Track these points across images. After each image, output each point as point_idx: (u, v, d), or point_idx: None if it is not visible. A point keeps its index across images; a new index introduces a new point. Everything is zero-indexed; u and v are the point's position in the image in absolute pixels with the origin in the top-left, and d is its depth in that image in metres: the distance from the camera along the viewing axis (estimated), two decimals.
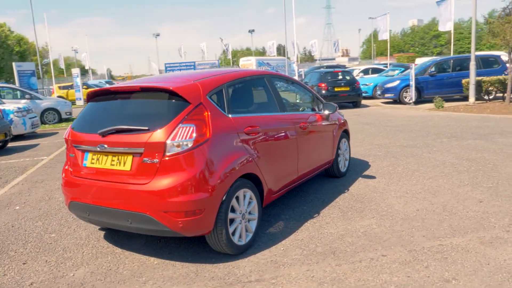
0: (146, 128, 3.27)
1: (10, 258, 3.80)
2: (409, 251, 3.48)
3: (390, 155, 7.21)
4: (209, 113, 3.40)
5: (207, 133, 3.31)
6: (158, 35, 52.23)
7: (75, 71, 26.60)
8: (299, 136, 4.56)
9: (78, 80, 25.87)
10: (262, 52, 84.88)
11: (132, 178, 3.31)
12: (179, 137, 3.19)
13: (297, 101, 5.80)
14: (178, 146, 3.19)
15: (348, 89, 16.02)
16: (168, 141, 3.19)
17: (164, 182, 3.19)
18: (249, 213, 3.71)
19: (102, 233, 4.30)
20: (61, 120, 15.87)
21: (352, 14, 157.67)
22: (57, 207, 5.31)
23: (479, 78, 14.15)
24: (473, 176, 5.64)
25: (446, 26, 23.88)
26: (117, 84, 3.93)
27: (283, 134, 4.29)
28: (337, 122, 5.72)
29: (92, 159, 3.57)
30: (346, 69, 20.27)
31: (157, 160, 3.20)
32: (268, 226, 4.25)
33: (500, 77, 14.12)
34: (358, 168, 6.44)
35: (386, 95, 16.93)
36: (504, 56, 17.01)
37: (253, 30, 55.02)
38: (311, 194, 5.25)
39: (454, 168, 6.10)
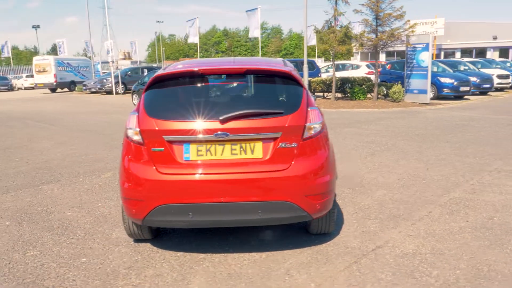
0: (281, 111, 3.13)
1: None
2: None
3: None
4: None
5: (323, 116, 3.41)
6: None
7: None
8: None
9: None
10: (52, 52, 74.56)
11: (265, 165, 3.10)
12: (312, 119, 3.20)
13: None
14: (311, 129, 3.20)
15: None
16: (307, 124, 3.16)
17: (304, 165, 3.15)
18: None
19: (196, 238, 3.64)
20: None
21: (132, 16, 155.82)
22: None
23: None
24: (393, 153, 7.20)
25: (254, 33, 27.28)
26: (207, 67, 3.42)
27: None
28: None
29: (199, 150, 3.10)
30: None
31: (295, 144, 3.12)
32: None
33: (323, 78, 17.37)
34: None
35: None
36: (318, 61, 20.85)
37: (37, 26, 47.94)
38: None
39: (370, 148, 7.58)
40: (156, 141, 3.11)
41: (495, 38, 44.34)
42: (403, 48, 16.10)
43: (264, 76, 3.36)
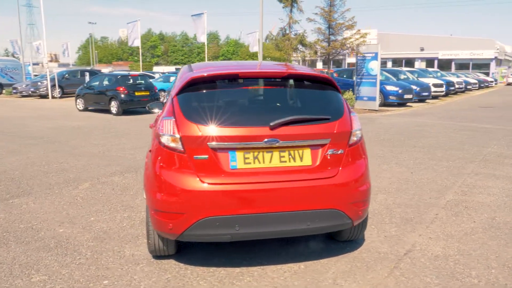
0: (328, 117, 3.07)
1: None
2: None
3: None
4: None
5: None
6: None
7: None
8: None
9: None
10: None
11: (315, 173, 3.01)
12: (355, 125, 3.18)
13: None
14: (355, 135, 3.18)
15: (148, 93, 15.83)
16: (352, 130, 3.13)
17: (350, 172, 3.11)
18: None
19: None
20: None
21: (62, 16, 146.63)
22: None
23: None
24: (371, 158, 7.44)
25: (201, 38, 27.01)
26: (246, 70, 3.23)
27: None
28: None
29: (246, 158, 2.92)
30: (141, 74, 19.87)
31: (342, 150, 3.08)
32: None
33: None
34: None
35: None
36: None
37: None
38: None
39: None
40: (199, 148, 2.89)
41: (422, 49, 48.11)
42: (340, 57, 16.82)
43: (303, 81, 3.28)
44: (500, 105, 18.88)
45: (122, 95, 15.10)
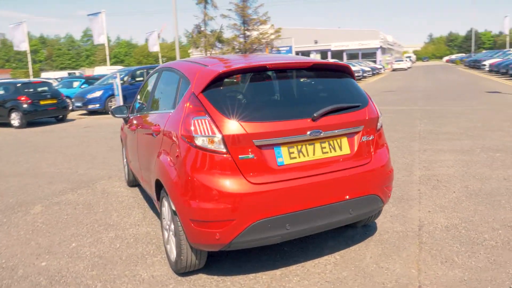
0: (358, 104, 3.08)
1: None
2: None
3: None
4: None
5: None
6: None
7: None
8: None
9: None
10: None
11: (353, 160, 3.00)
12: (378, 111, 3.25)
13: None
14: (379, 120, 3.24)
15: (55, 101, 14.31)
16: (379, 116, 3.19)
17: (380, 157, 3.18)
18: None
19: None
20: None
21: None
22: None
23: None
24: None
25: (100, 39, 25.33)
26: (274, 61, 3.03)
27: None
28: None
29: (291, 153, 2.79)
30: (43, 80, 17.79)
31: (372, 136, 3.12)
32: None
33: None
34: None
35: (90, 106, 16.40)
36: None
37: None
38: None
39: None
40: (244, 147, 2.68)
41: (316, 42, 51.24)
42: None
43: (326, 71, 3.23)
44: (398, 89, 20.97)
45: (25, 105, 13.44)
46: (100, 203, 5.06)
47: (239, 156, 2.68)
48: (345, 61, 44.57)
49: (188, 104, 2.89)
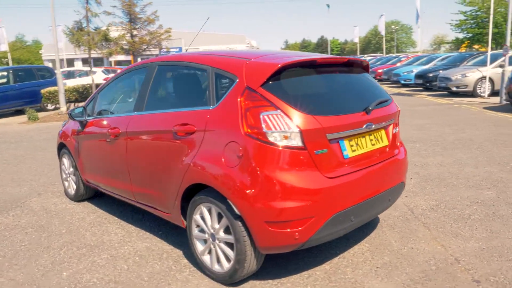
0: (388, 98, 3.32)
1: None
2: None
3: None
4: None
5: None
6: None
7: None
8: None
9: None
10: None
11: (390, 151, 3.25)
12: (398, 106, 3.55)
13: None
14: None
15: None
16: (400, 110, 3.49)
17: (403, 146, 3.51)
18: None
19: None
20: None
21: None
22: None
23: (46, 89, 14.88)
24: None
25: (1, 47, 23.46)
26: (321, 57, 2.99)
27: None
28: None
29: (352, 145, 2.88)
30: None
31: (397, 128, 3.40)
32: None
33: (76, 86, 15.55)
34: None
35: None
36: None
37: None
38: None
39: None
40: (319, 141, 2.67)
41: (186, 47, 50.90)
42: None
43: (355, 67, 3.37)
44: None
45: None
46: (54, 223, 4.30)
47: (315, 151, 2.66)
48: None
49: (242, 99, 2.73)
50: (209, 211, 2.96)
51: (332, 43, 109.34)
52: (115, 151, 3.87)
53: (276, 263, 3.21)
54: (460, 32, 33.14)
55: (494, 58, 14.20)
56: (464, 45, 36.17)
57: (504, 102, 11.92)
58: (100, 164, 4.24)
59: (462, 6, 30.89)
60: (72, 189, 4.99)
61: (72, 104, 15.09)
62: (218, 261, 2.97)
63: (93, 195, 5.01)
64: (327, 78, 3.11)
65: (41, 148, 8.61)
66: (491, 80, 14.07)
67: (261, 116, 2.63)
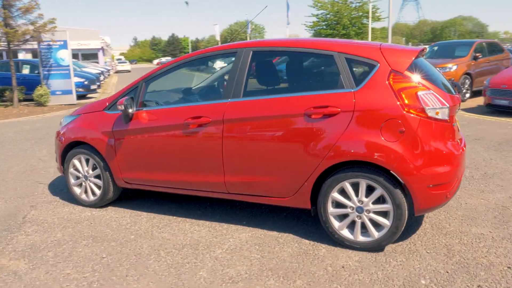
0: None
1: None
2: None
3: None
4: None
5: None
6: None
7: None
8: None
9: None
10: None
11: None
12: None
13: None
14: None
15: None
16: None
17: None
18: None
19: None
20: None
21: None
22: None
23: None
24: None
25: None
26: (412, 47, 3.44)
27: None
28: None
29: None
30: None
31: None
32: None
33: None
34: None
35: None
36: None
37: None
38: None
39: None
40: (452, 116, 3.21)
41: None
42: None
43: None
44: None
45: None
46: (105, 231, 3.84)
47: (453, 123, 3.21)
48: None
49: (391, 81, 3.07)
50: (354, 186, 3.19)
51: (183, 41, 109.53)
52: (198, 142, 3.67)
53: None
54: (313, 33, 37.19)
55: None
56: None
57: None
58: (161, 158, 3.89)
59: (314, 9, 34.84)
60: (91, 194, 4.41)
61: None
62: (363, 231, 3.24)
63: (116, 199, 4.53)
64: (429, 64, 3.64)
65: None
66: None
67: (419, 95, 3.02)
